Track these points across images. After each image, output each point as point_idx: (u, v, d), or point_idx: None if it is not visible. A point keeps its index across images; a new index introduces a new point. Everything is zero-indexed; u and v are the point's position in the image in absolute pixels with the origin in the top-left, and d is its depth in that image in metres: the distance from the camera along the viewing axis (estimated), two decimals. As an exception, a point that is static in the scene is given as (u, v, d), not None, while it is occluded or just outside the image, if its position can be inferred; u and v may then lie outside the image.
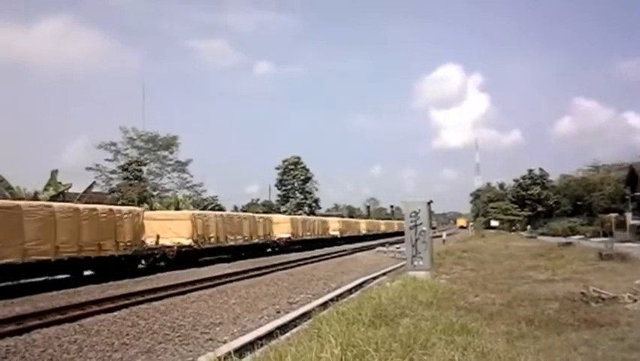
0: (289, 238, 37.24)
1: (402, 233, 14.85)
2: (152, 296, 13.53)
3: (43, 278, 16.59)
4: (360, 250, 37.05)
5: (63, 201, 28.09)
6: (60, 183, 31.39)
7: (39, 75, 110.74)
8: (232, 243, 28.92)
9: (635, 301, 9.44)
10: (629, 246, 26.09)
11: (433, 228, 14.99)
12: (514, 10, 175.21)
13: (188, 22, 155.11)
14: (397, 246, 33.36)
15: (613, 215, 42.04)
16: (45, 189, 30.51)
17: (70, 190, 32.20)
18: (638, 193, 39.04)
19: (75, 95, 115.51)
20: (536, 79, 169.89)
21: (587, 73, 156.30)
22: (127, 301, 12.59)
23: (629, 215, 39.08)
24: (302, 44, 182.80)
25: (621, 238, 33.56)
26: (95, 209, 18.91)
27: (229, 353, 6.51)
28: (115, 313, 11.18)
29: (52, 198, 28.38)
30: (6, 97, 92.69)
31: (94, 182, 39.38)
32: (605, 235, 38.08)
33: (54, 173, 31.40)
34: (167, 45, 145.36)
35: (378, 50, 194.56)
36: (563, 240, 34.50)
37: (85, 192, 33.98)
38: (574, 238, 37.53)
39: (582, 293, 10.08)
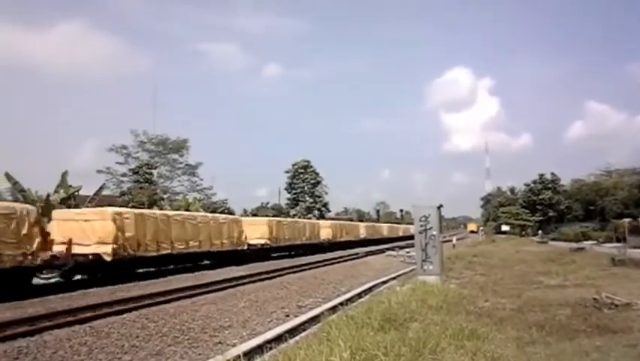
0: (330, 239, 44.51)
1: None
2: (161, 299, 13.58)
3: (55, 280, 16.83)
4: (370, 253, 36.97)
5: (75, 203, 28.39)
6: (70, 185, 31.74)
7: (52, 78, 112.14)
8: (294, 242, 36.22)
9: (649, 307, 9.32)
10: (643, 251, 25.77)
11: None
12: (524, 13, 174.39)
13: (199, 25, 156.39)
14: (407, 250, 33.28)
15: (626, 220, 41.56)
16: (56, 191, 30.88)
17: (81, 192, 32.54)
18: (651, 198, 38.64)
19: (87, 98, 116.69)
20: (547, 82, 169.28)
21: (598, 76, 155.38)
22: (137, 304, 12.65)
23: (642, 220, 38.68)
24: (311, 47, 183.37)
25: (635, 243, 33.10)
26: (218, 218, 27.62)
27: (238, 357, 6.53)
28: (125, 316, 11.24)
29: (63, 201, 28.70)
30: (19, 99, 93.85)
31: (103, 184, 39.56)
32: (618, 241, 37.62)
33: (64, 175, 31.71)
34: (178, 48, 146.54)
35: (388, 54, 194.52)
36: (574, 245, 34.16)
37: (95, 194, 34.26)
38: (586, 244, 37.15)
39: (594, 299, 9.97)
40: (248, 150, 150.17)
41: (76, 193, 31.71)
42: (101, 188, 36.89)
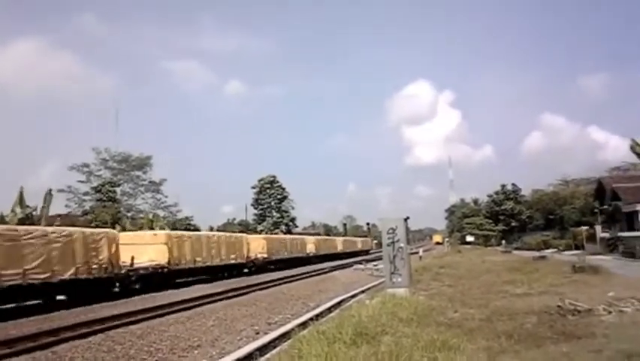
0: (314, 252, 49.99)
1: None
2: (127, 320, 13.24)
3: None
4: (338, 268, 37.01)
5: (32, 222, 27.38)
6: (28, 206, 30.77)
7: (10, 97, 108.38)
8: (287, 256, 41.77)
9: (610, 313, 9.60)
10: (600, 258, 26.62)
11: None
12: (483, 27, 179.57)
13: (163, 45, 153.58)
14: (375, 263, 33.43)
15: (584, 228, 42.89)
16: (12, 211, 29.97)
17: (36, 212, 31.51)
18: (606, 207, 39.97)
19: (48, 117, 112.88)
20: (506, 94, 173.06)
21: (553, 88, 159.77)
22: (102, 326, 12.30)
23: (598, 228, 39.95)
24: (277, 66, 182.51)
25: (592, 250, 34.19)
26: (231, 236, 34.21)
27: (209, 377, 6.40)
28: (89, 339, 10.90)
29: (21, 221, 27.81)
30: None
31: (50, 190, 36.25)
32: (577, 248, 38.68)
33: (22, 194, 30.74)
34: (142, 67, 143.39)
35: (351, 71, 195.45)
36: (537, 254, 34.95)
37: (59, 215, 33.15)
38: (547, 252, 38.11)
39: (558, 306, 10.19)
40: (213, 167, 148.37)
41: (33, 213, 30.71)
42: (49, 196, 34.50)
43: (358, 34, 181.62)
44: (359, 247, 73.77)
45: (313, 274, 31.17)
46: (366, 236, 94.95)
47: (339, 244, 63.60)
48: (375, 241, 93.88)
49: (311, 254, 48.17)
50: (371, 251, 72.52)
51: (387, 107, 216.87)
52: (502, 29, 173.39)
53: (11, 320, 13.95)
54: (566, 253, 36.20)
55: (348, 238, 78.82)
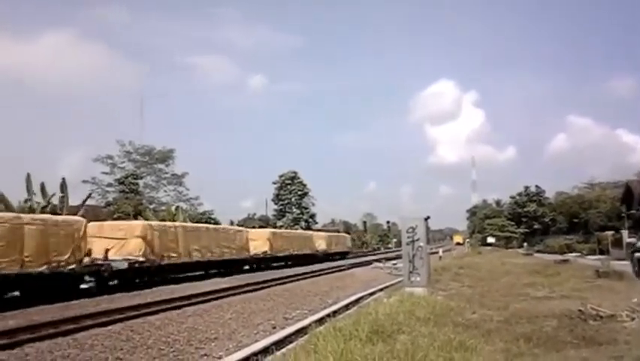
0: (350, 248, 58.70)
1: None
2: (146, 311, 13.40)
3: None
4: (357, 265, 36.96)
5: (54, 212, 27.95)
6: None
7: (38, 88, 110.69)
8: (336, 250, 50.32)
9: (633, 319, 9.38)
10: (626, 264, 25.99)
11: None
12: (509, 28, 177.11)
13: (188, 38, 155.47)
14: (394, 262, 33.30)
15: (609, 233, 42.04)
16: (33, 200, 30.70)
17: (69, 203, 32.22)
18: (633, 211, 39.12)
19: (74, 108, 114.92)
20: (531, 96, 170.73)
21: (580, 90, 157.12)
22: (121, 316, 12.46)
23: (625, 233, 39.05)
24: (300, 62, 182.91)
25: (617, 255, 33.42)
26: (305, 233, 49.03)
27: (225, 369, 6.47)
28: (109, 328, 11.07)
29: (44, 209, 28.52)
30: (4, 109, 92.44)
31: (90, 193, 39.29)
32: (601, 253, 38.00)
33: (42, 183, 31.51)
34: (167, 60, 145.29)
35: (376, 67, 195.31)
36: (559, 257, 34.43)
37: (83, 203, 33.88)
38: (570, 256, 37.49)
39: (580, 311, 10.01)
40: (233, 162, 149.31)
41: (51, 201, 31.44)
42: (88, 196, 36.46)
43: (384, 31, 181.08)
44: (321, 248, 45.85)
45: (333, 270, 31.14)
46: (387, 235, 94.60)
47: (259, 241, 33.69)
48: (394, 240, 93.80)
49: (347, 248, 49.83)
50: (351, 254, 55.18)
51: (411, 105, 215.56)
52: (528, 30, 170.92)
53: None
54: (590, 257, 35.58)
55: (290, 231, 50.50)
